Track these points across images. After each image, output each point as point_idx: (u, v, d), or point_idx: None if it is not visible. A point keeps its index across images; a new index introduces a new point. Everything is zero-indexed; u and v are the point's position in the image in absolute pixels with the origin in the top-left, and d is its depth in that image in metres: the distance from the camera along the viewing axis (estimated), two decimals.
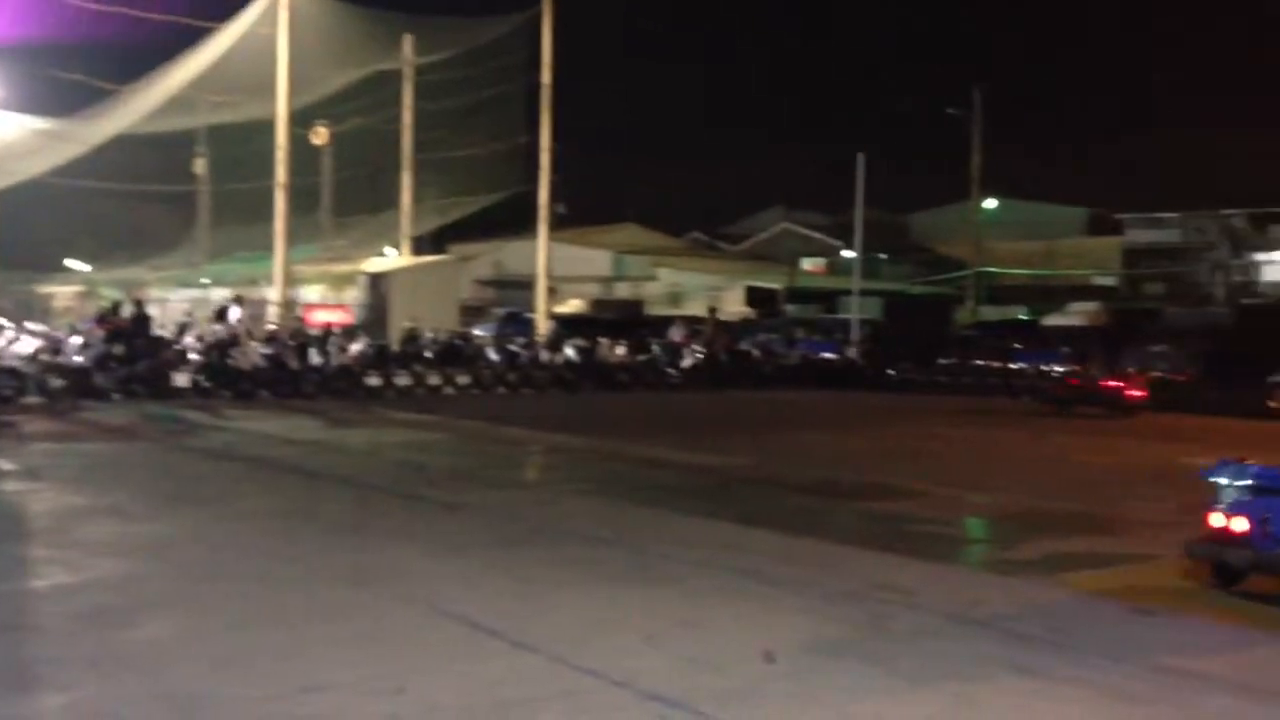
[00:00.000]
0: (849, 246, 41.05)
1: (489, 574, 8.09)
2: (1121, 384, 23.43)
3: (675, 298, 45.50)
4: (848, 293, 37.56)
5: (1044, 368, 26.94)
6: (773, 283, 46.24)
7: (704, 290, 46.67)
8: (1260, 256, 59.21)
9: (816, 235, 58.45)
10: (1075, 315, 35.05)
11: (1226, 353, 25.90)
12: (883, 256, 54.96)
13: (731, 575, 8.20)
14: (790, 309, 41.59)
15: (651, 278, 51.32)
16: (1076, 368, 25.07)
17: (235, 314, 24.93)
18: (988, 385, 27.39)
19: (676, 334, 29.02)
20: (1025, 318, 41.37)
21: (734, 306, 43.71)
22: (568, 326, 31.08)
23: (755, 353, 29.89)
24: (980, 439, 18.74)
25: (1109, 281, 57.95)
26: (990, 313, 45.38)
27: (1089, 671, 6.15)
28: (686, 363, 27.91)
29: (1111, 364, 24.92)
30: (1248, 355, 24.64)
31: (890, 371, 29.34)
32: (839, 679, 5.92)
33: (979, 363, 28.36)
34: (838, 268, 53.54)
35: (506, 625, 6.69)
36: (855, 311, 34.97)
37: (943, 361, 29.36)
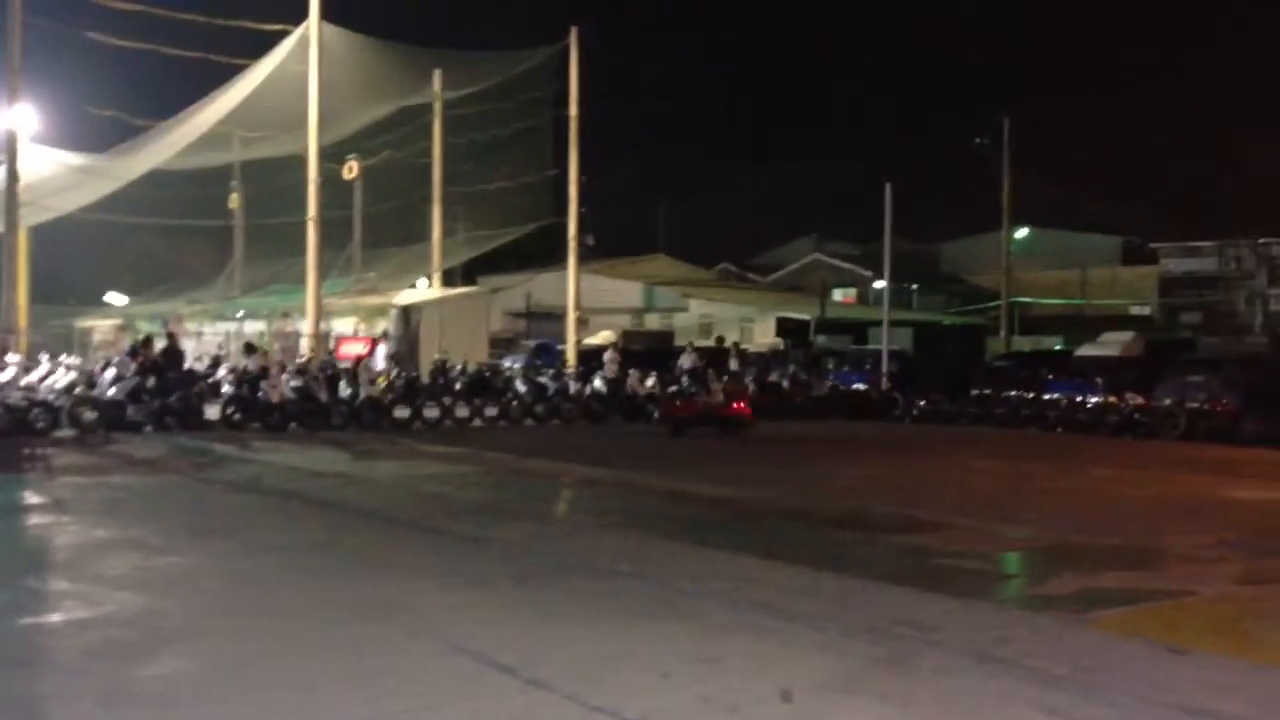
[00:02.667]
0: (879, 277, 40.87)
1: (506, 609, 8.02)
2: (734, 403, 23.66)
3: (706, 329, 45.41)
4: (878, 323, 37.37)
5: (1078, 398, 26.63)
6: (803, 313, 46.08)
7: (735, 321, 46.60)
8: None
9: (847, 266, 58.27)
10: (1109, 345, 34.63)
11: (1265, 383, 25.49)
12: (913, 287, 54.72)
13: (752, 610, 8.08)
14: (821, 340, 41.40)
15: (682, 309, 51.30)
16: (691, 389, 25.02)
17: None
18: (1020, 416, 27.09)
19: (687, 361, 28.94)
20: (1059, 348, 40.96)
21: (765, 337, 43.59)
22: (595, 358, 31.04)
23: (785, 384, 29.74)
24: (1011, 471, 18.50)
25: (1144, 311, 57.36)
26: (1023, 343, 44.97)
27: (1117, 712, 5.99)
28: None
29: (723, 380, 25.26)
30: None
31: (921, 402, 29.10)
32: (855, 718, 5.79)
33: (1011, 394, 28.06)
34: (868, 298, 53.33)
35: (520, 661, 6.61)
36: (885, 342, 34.76)
37: (974, 392, 29.09)
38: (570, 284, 33.89)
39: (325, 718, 5.69)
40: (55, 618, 7.69)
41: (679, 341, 41.47)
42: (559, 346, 35.36)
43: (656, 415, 24.42)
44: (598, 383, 26.53)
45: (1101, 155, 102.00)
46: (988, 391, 28.77)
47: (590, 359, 30.83)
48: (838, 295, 56.02)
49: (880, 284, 41.17)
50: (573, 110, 32.94)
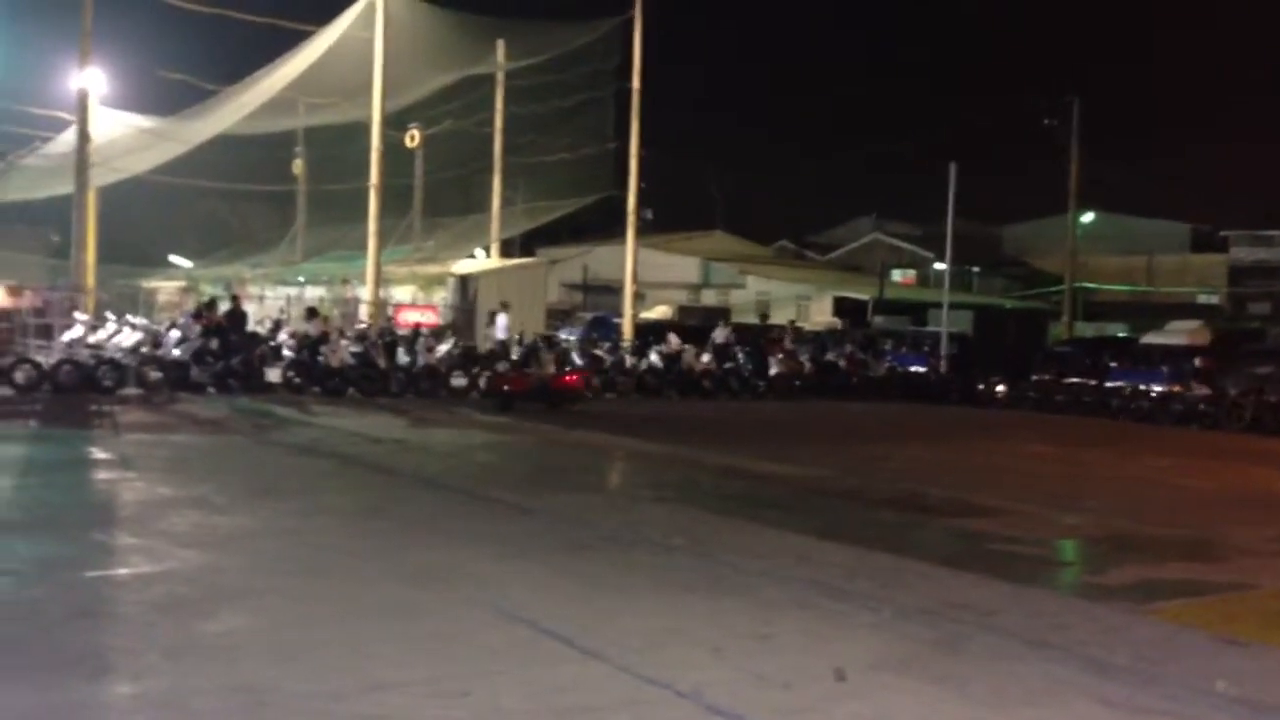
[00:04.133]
0: (940, 258, 40.42)
1: (558, 579, 8.07)
2: (565, 376, 22.48)
3: (762, 306, 45.24)
4: (938, 305, 37.00)
5: (1142, 387, 26.22)
6: (861, 293, 45.73)
7: (792, 299, 46.36)
8: None
9: (907, 246, 57.70)
10: (1176, 333, 34.01)
11: None
12: (975, 269, 54.06)
13: (804, 588, 8.07)
14: (879, 320, 41.09)
15: (739, 285, 51.09)
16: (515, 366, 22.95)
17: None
18: (1082, 403, 26.74)
19: (720, 335, 28.85)
20: (1123, 335, 40.31)
21: (821, 316, 43.33)
22: (652, 333, 31.03)
23: (841, 363, 29.57)
24: (1071, 458, 18.28)
25: (1212, 300, 56.27)
26: (1086, 329, 44.32)
27: (1173, 704, 5.92)
28: (772, 371, 27.70)
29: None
30: None
31: (980, 386, 28.80)
32: (908, 700, 5.78)
33: (1073, 380, 27.68)
34: (928, 279, 52.79)
35: (573, 631, 6.65)
36: (945, 324, 34.41)
37: (1035, 378, 28.74)
38: (628, 258, 33.88)
39: (381, 678, 5.77)
40: (122, 572, 7.87)
41: (735, 319, 41.40)
42: (615, 320, 35.40)
43: (483, 388, 22.70)
44: (654, 357, 26.54)
45: (1173, 139, 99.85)
46: (1048, 377, 28.42)
47: (647, 333, 30.83)
48: (897, 276, 55.54)
49: (940, 265, 40.76)
50: (635, 83, 32.81)
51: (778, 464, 15.13)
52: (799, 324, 35.90)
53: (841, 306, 43.92)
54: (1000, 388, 28.55)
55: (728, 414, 23.34)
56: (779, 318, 38.68)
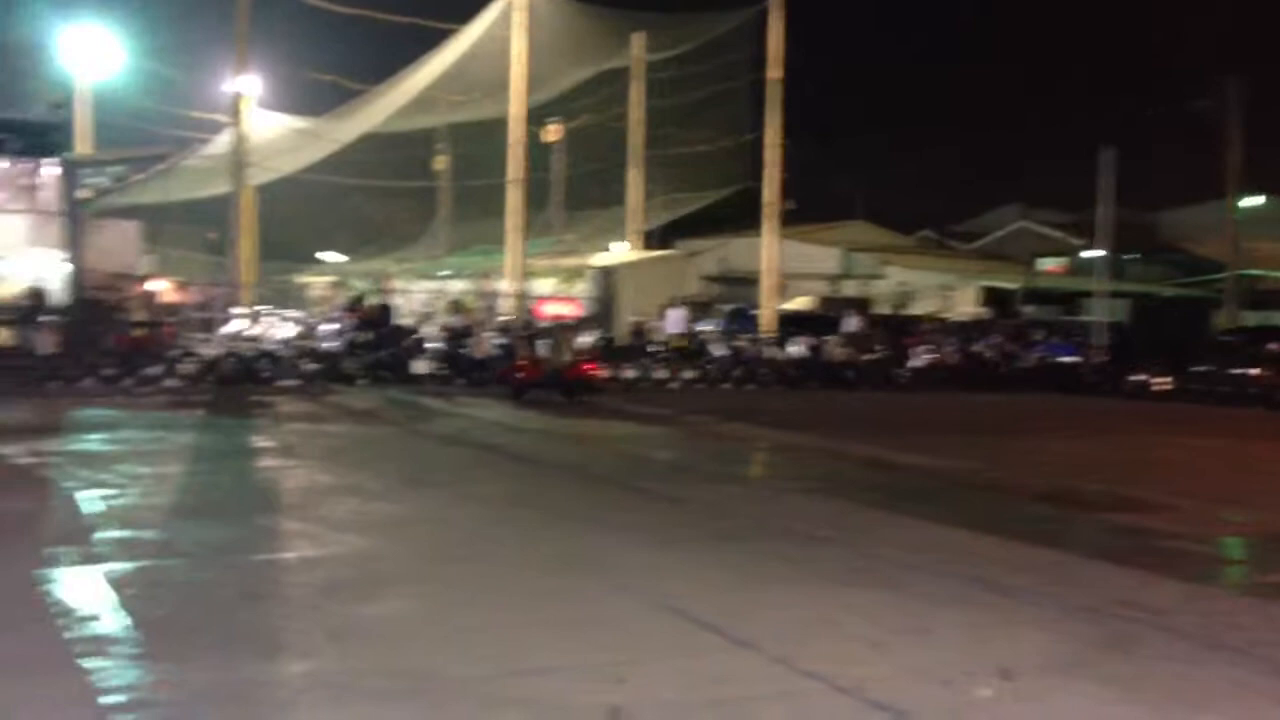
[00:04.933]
0: (1091, 246, 39.07)
1: (708, 569, 8.04)
2: (582, 364, 21.28)
3: (904, 296, 44.44)
4: (1089, 294, 35.78)
5: None
6: (1009, 283, 44.52)
7: (935, 289, 45.43)
8: None
9: (1056, 234, 55.88)
10: None
11: None
12: (1129, 257, 52.08)
13: (960, 583, 7.87)
14: (1028, 310, 39.94)
15: (880, 276, 50.25)
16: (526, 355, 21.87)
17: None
18: (1247, 395, 25.55)
19: (850, 324, 28.36)
20: None
21: (966, 306, 42.33)
22: (792, 324, 30.78)
23: (988, 354, 28.87)
24: (1237, 452, 17.46)
25: None
26: (1252, 318, 42.30)
27: None
28: (917, 362, 27.22)
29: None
30: None
31: (1137, 377, 27.76)
32: (1078, 701, 5.57)
33: (1237, 371, 26.46)
34: (1079, 268, 51.07)
35: (725, 621, 6.61)
36: (1099, 314, 33.26)
37: (1196, 369, 27.56)
38: (767, 249, 33.65)
39: (537, 663, 5.82)
40: (287, 556, 8.13)
41: (879, 310, 40.73)
42: (754, 311, 35.22)
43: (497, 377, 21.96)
44: (795, 348, 26.32)
45: None
46: (1211, 368, 27.22)
47: (787, 324, 30.59)
48: (1046, 264, 53.86)
49: (1092, 253, 39.43)
50: (774, 73, 32.55)
51: (925, 456, 14.81)
52: (944, 315, 35.18)
53: (988, 296, 42.82)
54: (1160, 379, 27.47)
55: (871, 405, 22.99)
56: (922, 308, 37.96)
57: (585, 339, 24.19)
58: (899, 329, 29.72)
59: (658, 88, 35.36)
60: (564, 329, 22.43)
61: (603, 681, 5.55)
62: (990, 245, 58.28)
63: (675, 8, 34.99)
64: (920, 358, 27.31)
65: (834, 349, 26.53)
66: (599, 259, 35.78)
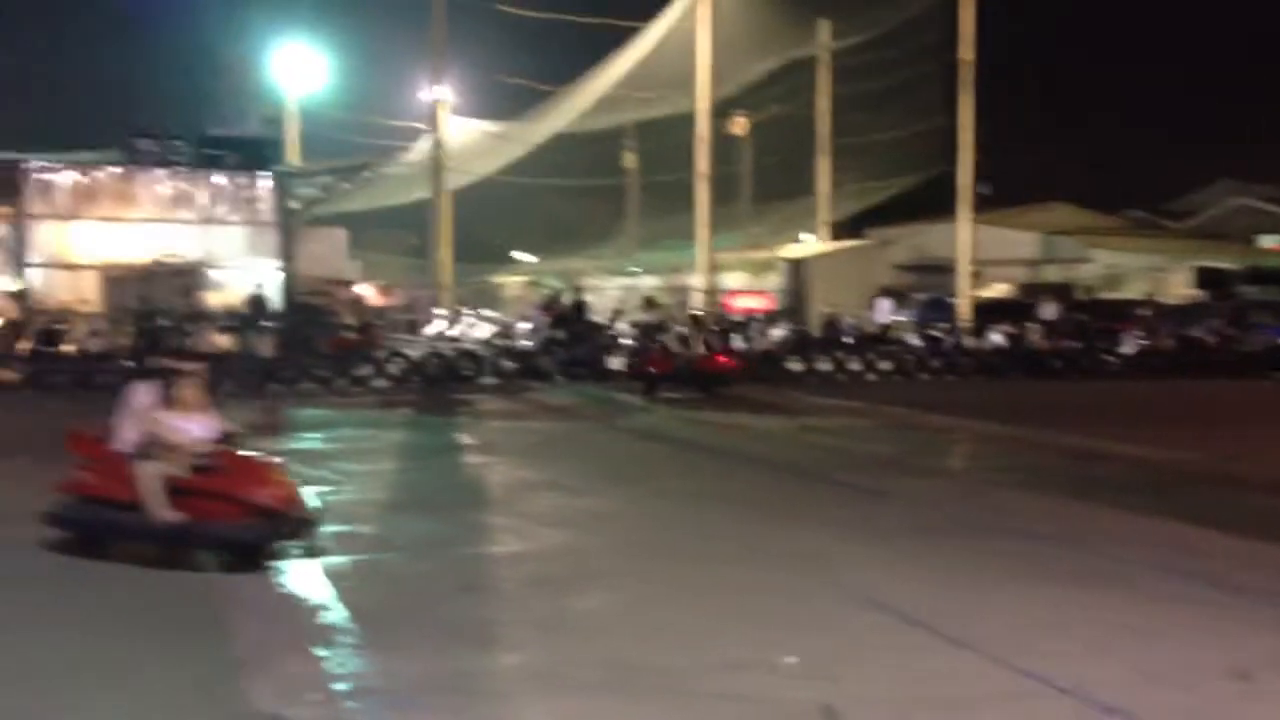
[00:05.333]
0: None
1: (914, 564, 7.84)
2: (716, 355, 19.89)
3: (1112, 280, 42.53)
4: None
5: None
6: (1226, 262, 42.05)
7: (1145, 272, 43.33)
8: None
9: (1277, 210, 52.45)
10: None
11: None
12: None
13: (1184, 580, 7.45)
14: (1248, 291, 37.59)
15: (1085, 260, 48.24)
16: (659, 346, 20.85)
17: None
18: None
19: (1048, 311, 27.11)
20: None
21: (1179, 288, 40.20)
22: (990, 312, 29.81)
23: (1207, 339, 27.29)
24: None
25: None
26: None
27: None
28: (1127, 349, 25.97)
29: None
30: None
31: None
32: None
33: None
34: None
35: (937, 619, 6.43)
36: None
37: None
38: (962, 235, 32.72)
39: (743, 658, 5.78)
40: (495, 549, 8.35)
41: (1084, 295, 39.11)
42: (950, 300, 34.31)
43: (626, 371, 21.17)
44: (995, 337, 25.50)
45: None
46: None
47: (985, 313, 29.67)
48: (1267, 242, 50.62)
49: None
50: (966, 54, 31.59)
51: (1141, 446, 14.08)
52: (1156, 298, 33.50)
53: (1203, 277, 40.52)
54: None
55: (1080, 395, 22.04)
56: (1132, 292, 36.23)
57: (775, 331, 24.06)
58: (1108, 314, 28.37)
59: (847, 74, 34.80)
60: (695, 321, 21.88)
61: (814, 679, 5.47)
62: (1205, 224, 55.14)
63: None
64: (1132, 344, 26.02)
65: (1037, 337, 25.56)
66: (789, 251, 35.50)
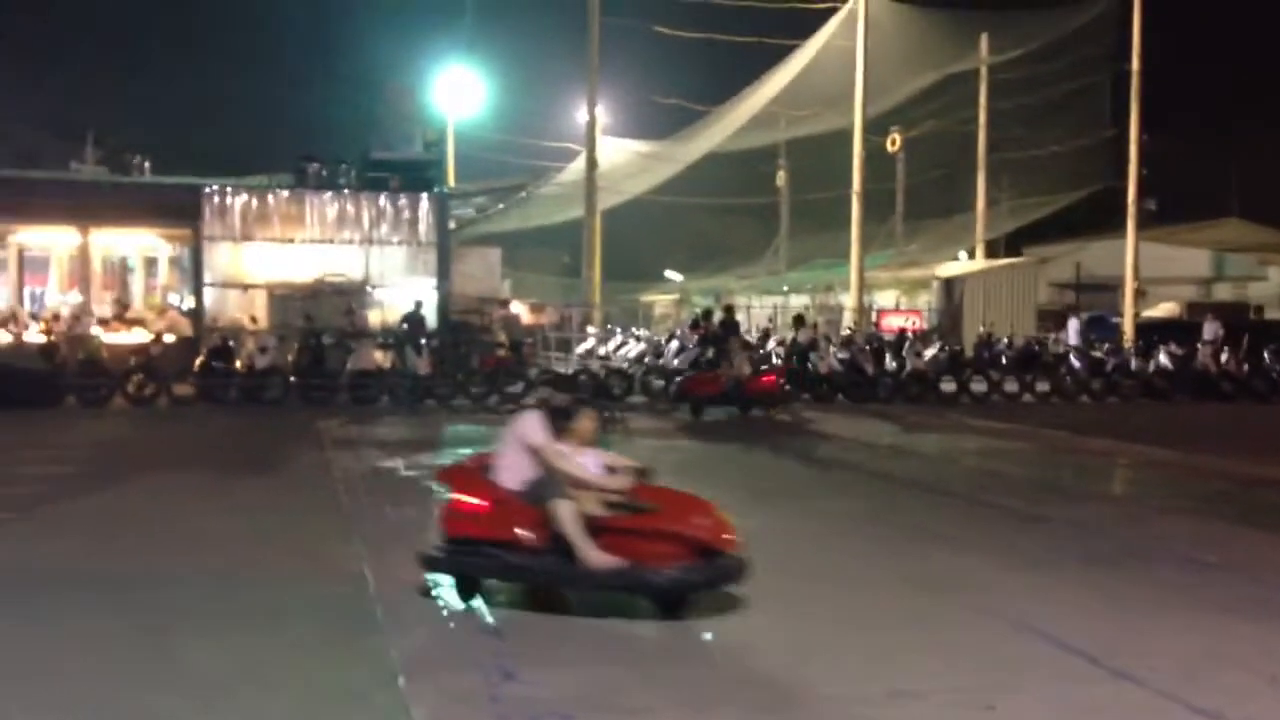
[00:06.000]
0: None
1: (1077, 593, 7.60)
2: (761, 376, 18.61)
3: None
4: None
5: None
6: None
7: None
8: None
9: None
10: None
11: None
12: None
13: None
14: None
15: (1259, 277, 46.11)
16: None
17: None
18: None
19: (1210, 331, 25.80)
20: None
21: None
22: (1155, 331, 28.69)
23: None
24: None
25: None
26: None
27: None
28: None
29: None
30: None
31: None
32: None
33: None
34: None
35: (1100, 650, 6.21)
36: None
37: None
38: (1129, 252, 31.63)
39: (902, 685, 5.69)
40: None
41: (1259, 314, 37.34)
42: (1114, 319, 33.18)
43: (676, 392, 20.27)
44: (1163, 358, 24.50)
45: None
46: None
47: (1150, 333, 28.57)
48: None
49: None
50: (1134, 64, 30.58)
51: None
52: None
53: None
54: None
55: (1255, 420, 21.03)
56: None
57: (929, 351, 23.58)
58: None
59: (1006, 88, 34.08)
60: (740, 341, 21.12)
61: (972, 709, 5.35)
62: None
63: (1021, 4, 33.62)
64: None
65: (1206, 358, 24.47)
66: (944, 269, 34.85)
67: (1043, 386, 23.50)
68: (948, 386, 22.89)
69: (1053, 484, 12.93)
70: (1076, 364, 24.20)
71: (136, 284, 30.00)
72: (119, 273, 29.95)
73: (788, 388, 20.41)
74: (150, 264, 29.76)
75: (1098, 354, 24.93)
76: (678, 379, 20.68)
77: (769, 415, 19.06)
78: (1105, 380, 23.85)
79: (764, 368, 20.39)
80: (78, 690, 5.60)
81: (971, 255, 37.56)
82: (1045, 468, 14.48)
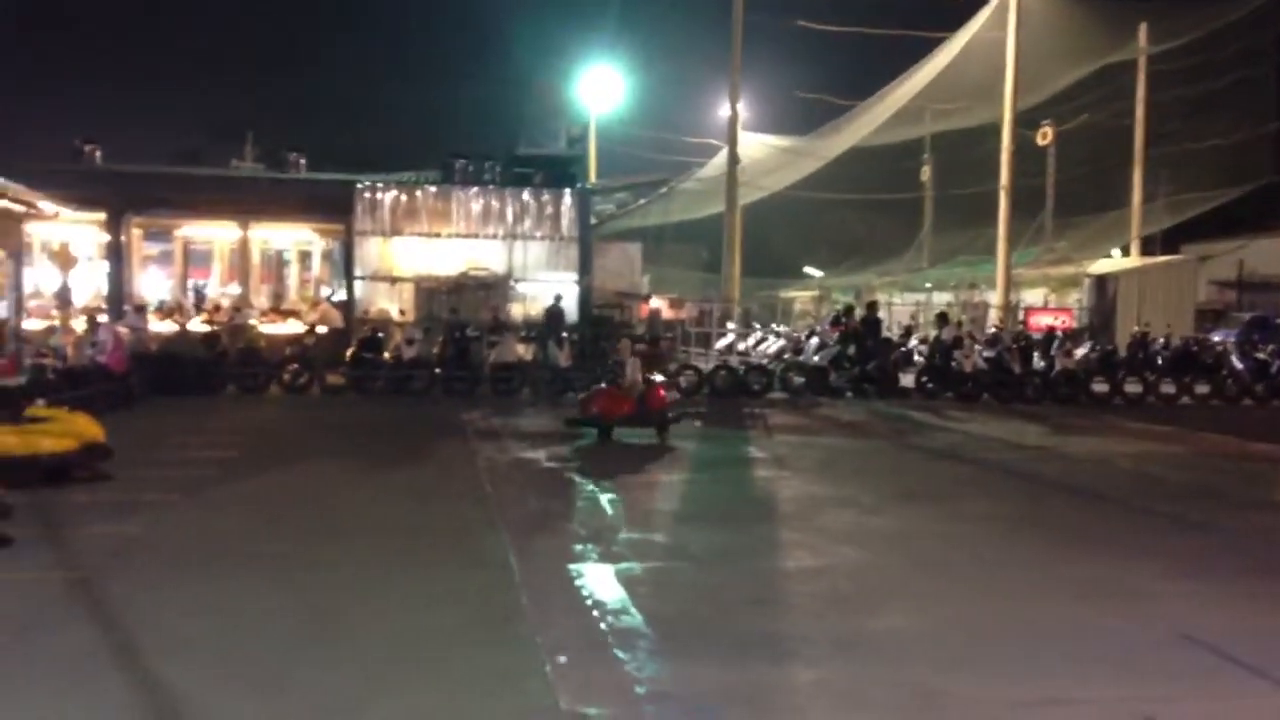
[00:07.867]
0: None
1: (1242, 603, 7.28)
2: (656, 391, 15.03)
3: None
4: None
5: None
6: None
7: None
8: None
9: None
10: None
11: None
12: None
13: None
14: None
15: None
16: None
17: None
18: None
19: None
20: None
21: None
22: None
23: None
24: None
25: None
26: None
27: None
28: None
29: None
30: None
31: None
32: None
33: None
34: None
35: (1265, 660, 5.95)
36: None
37: None
38: None
39: (1057, 692, 5.55)
40: (788, 564, 8.33)
41: None
42: (1278, 320, 31.64)
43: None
44: None
45: None
46: None
47: None
48: None
49: None
50: None
51: None
52: None
53: None
54: None
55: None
56: None
57: (1079, 350, 22.85)
58: None
59: (1165, 80, 32.75)
60: (632, 345, 16.64)
61: (1129, 718, 5.17)
62: None
63: None
64: None
65: None
66: (1096, 266, 33.70)
67: (1202, 389, 22.57)
68: (1100, 387, 22.16)
69: (1215, 490, 12.39)
70: (1239, 365, 23.16)
71: (291, 277, 31.06)
72: (275, 266, 31.05)
73: (678, 397, 17.24)
74: (304, 258, 30.77)
75: (1261, 355, 23.80)
76: (580, 396, 16.50)
77: (662, 440, 14.83)
78: (1269, 383, 22.78)
79: (656, 378, 16.05)
80: (257, 666, 5.83)
81: (1125, 252, 36.24)
82: (1207, 473, 13.88)
